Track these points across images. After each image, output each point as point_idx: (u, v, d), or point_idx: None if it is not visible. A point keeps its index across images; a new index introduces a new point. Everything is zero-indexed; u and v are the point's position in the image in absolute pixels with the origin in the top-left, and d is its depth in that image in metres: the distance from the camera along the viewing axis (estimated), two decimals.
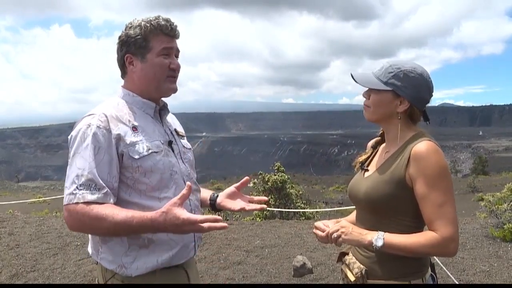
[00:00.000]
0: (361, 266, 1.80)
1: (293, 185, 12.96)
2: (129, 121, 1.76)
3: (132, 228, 1.56)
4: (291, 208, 11.78)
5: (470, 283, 4.62)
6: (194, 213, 1.89)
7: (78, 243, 6.67)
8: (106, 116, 1.71)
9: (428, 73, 1.77)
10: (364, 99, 1.84)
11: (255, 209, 1.95)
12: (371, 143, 2.05)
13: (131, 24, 1.82)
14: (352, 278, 1.81)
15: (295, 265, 5.07)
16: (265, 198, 2.01)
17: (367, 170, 1.91)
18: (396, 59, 1.83)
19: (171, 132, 1.93)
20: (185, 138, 2.06)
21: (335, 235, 1.73)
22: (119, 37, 1.83)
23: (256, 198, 2.00)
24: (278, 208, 10.96)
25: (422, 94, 1.74)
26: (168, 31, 1.82)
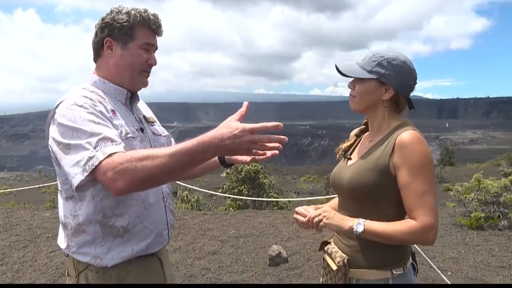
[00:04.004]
0: (343, 255, 1.81)
1: (266, 176, 13.00)
2: (107, 104, 1.71)
3: (190, 152, 1.36)
4: (263, 197, 11.83)
5: (441, 269, 4.74)
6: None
7: (49, 235, 6.53)
8: (86, 97, 1.65)
9: (411, 60, 1.79)
10: (350, 89, 1.84)
11: (268, 158, 1.69)
12: (354, 131, 2.06)
13: (118, 9, 1.77)
14: (334, 267, 1.82)
15: (271, 254, 5.09)
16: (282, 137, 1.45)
17: (350, 158, 1.92)
18: (379, 49, 1.84)
19: (140, 120, 1.90)
20: (156, 123, 2.01)
21: (316, 219, 1.73)
22: (103, 19, 1.77)
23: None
24: (249, 198, 10.98)
25: (406, 81, 1.76)
26: (154, 27, 1.80)
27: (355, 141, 2.01)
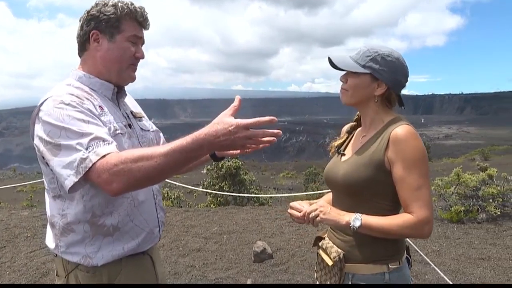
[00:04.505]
0: (339, 250, 1.81)
1: (246, 172, 13.00)
2: (94, 100, 1.67)
3: (185, 150, 1.35)
4: (244, 193, 11.83)
5: (423, 262, 4.81)
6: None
7: (29, 235, 6.38)
8: (73, 95, 1.60)
9: (403, 58, 1.80)
10: (341, 83, 1.84)
11: (257, 148, 1.58)
12: (346, 128, 2.06)
13: (104, 1, 1.73)
14: (330, 263, 1.82)
15: (256, 251, 5.09)
16: (276, 131, 1.45)
17: (343, 154, 1.92)
18: (372, 43, 1.85)
19: (128, 115, 1.86)
20: (144, 118, 1.98)
21: (313, 214, 1.73)
22: (88, 12, 1.73)
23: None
24: (232, 194, 10.96)
25: (398, 78, 1.76)
26: (142, 20, 1.77)
27: (347, 137, 2.01)
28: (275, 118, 1.37)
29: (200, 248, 5.63)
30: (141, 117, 1.96)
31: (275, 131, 1.38)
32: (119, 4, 1.71)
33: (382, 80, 1.75)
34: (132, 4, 1.73)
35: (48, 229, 1.75)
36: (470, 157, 38.95)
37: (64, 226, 1.64)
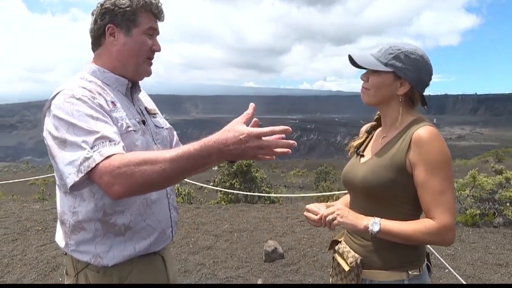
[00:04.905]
0: (356, 255, 1.75)
1: (257, 170, 12.95)
2: (107, 95, 1.62)
3: (192, 157, 1.29)
4: (256, 192, 11.79)
5: (438, 266, 4.72)
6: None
7: (39, 228, 6.40)
8: (85, 88, 1.56)
9: (427, 56, 1.73)
10: (362, 81, 1.78)
11: (272, 158, 1.43)
12: (365, 127, 1.99)
13: None
14: (346, 268, 1.76)
15: (267, 250, 5.03)
16: (291, 142, 1.33)
17: (362, 155, 1.85)
18: (395, 41, 1.78)
19: (142, 112, 1.81)
20: (158, 115, 1.93)
21: (330, 217, 1.67)
22: (102, 5, 1.68)
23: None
24: (243, 191, 10.92)
25: (422, 76, 1.70)
26: (157, 12, 1.72)
27: (366, 138, 1.94)
28: (289, 128, 1.30)
29: (210, 246, 5.59)
30: (155, 114, 1.91)
31: (290, 141, 1.31)
32: None
33: (405, 79, 1.68)
34: None
35: (58, 226, 1.71)
36: (483, 158, 38.49)
37: (74, 224, 1.60)
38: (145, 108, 1.86)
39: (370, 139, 1.92)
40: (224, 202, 10.82)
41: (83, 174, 1.36)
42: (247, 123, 1.34)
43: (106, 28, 1.67)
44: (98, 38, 1.71)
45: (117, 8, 1.65)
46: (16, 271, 4.79)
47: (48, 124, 1.49)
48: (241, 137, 1.26)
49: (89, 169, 1.35)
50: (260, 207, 8.23)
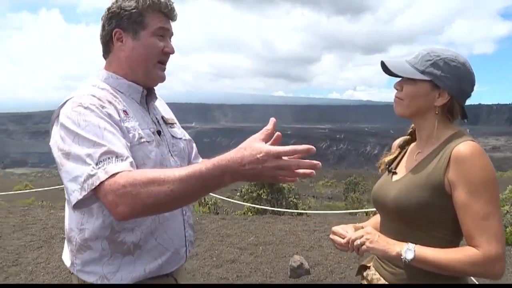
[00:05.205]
0: (386, 283, 1.58)
1: None
2: (118, 103, 1.52)
3: (203, 177, 1.16)
4: (283, 203, 11.63)
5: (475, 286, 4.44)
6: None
7: (64, 236, 6.38)
8: (95, 96, 1.46)
9: (470, 63, 1.55)
10: (396, 91, 1.62)
11: (295, 180, 1.29)
12: (398, 142, 1.82)
13: None
14: None
15: (292, 265, 4.86)
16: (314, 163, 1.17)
17: (395, 172, 1.68)
18: (432, 47, 1.61)
19: (158, 121, 1.70)
20: (176, 125, 1.81)
21: (358, 242, 1.50)
22: (108, 9, 1.59)
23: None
24: (270, 202, 10.80)
25: (464, 86, 1.53)
26: (167, 11, 1.60)
27: (399, 153, 1.77)
28: (313, 148, 1.16)
29: (234, 259, 5.45)
30: (173, 124, 1.79)
31: (314, 162, 1.14)
32: None
33: (444, 89, 1.51)
34: None
35: (65, 244, 1.62)
36: None
37: (81, 243, 1.51)
38: (162, 117, 1.75)
39: (403, 154, 1.75)
40: (251, 213, 10.71)
41: (86, 193, 1.26)
42: (267, 140, 1.19)
43: (113, 33, 1.58)
44: (107, 44, 1.63)
45: (122, 11, 1.55)
46: (39, 279, 4.76)
47: (55, 134, 1.41)
48: (258, 156, 1.12)
49: (93, 187, 1.25)
50: (287, 219, 8.06)
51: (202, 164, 1.18)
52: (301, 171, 1.15)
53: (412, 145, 1.72)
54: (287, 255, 5.53)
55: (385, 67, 1.59)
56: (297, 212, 10.98)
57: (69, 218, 1.57)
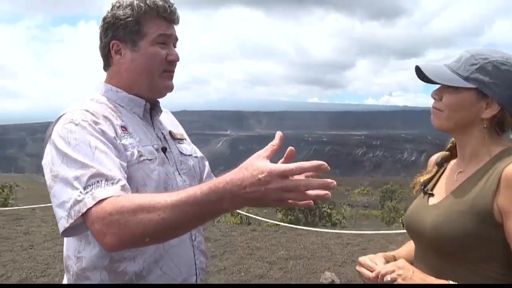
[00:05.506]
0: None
1: None
2: (116, 119, 1.39)
3: (198, 203, 1.01)
4: (316, 212, 11.40)
5: None
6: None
7: None
8: (88, 111, 1.34)
9: None
10: (433, 100, 1.39)
11: (310, 204, 1.11)
12: (435, 158, 1.58)
13: (119, 3, 1.45)
14: None
15: (323, 283, 4.67)
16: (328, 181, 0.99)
17: (432, 194, 1.45)
18: (477, 48, 1.37)
19: (164, 137, 1.55)
20: (185, 141, 1.66)
21: (388, 278, 1.28)
22: (104, 19, 1.46)
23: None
24: (303, 212, 10.58)
25: None
26: (166, 14, 1.45)
27: (437, 172, 1.53)
28: (324, 163, 0.96)
29: (263, 274, 5.31)
30: (182, 139, 1.64)
31: (328, 181, 0.95)
32: (135, 2, 1.41)
33: (493, 98, 1.28)
34: None
35: (66, 271, 1.47)
36: None
37: (78, 272, 1.37)
38: (170, 132, 1.60)
39: (442, 173, 1.50)
40: (284, 222, 10.54)
41: (73, 220, 1.13)
42: (272, 158, 1.01)
43: (111, 46, 1.45)
44: (106, 57, 1.50)
45: (117, 20, 1.42)
46: None
47: (47, 154, 1.30)
48: (260, 176, 0.94)
49: (80, 214, 1.12)
50: (320, 232, 7.83)
51: (197, 188, 1.02)
52: (312, 192, 0.97)
53: (452, 162, 1.48)
54: (318, 271, 5.38)
55: (421, 73, 1.37)
56: (331, 222, 10.76)
57: (67, 244, 1.44)
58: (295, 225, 9.90)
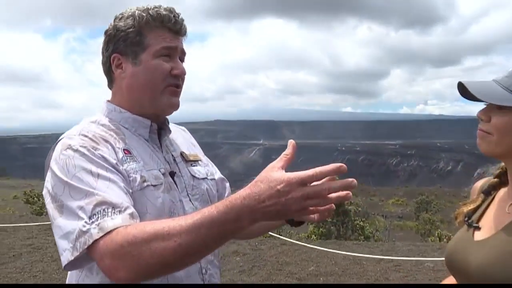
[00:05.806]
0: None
1: (351, 201, 12.24)
2: (119, 142, 1.29)
3: (215, 223, 0.95)
4: (349, 226, 11.11)
5: None
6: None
7: None
8: (86, 136, 1.24)
9: None
10: (481, 121, 1.21)
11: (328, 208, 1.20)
12: (480, 185, 1.39)
13: (122, 14, 1.35)
14: None
15: None
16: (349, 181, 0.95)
17: (478, 227, 1.26)
18: None
19: (174, 159, 1.42)
20: (201, 163, 1.52)
21: None
22: (106, 32, 1.36)
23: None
24: (335, 225, 10.33)
25: None
26: (170, 25, 1.34)
27: (483, 201, 1.34)
28: (343, 165, 0.93)
29: None
30: (195, 161, 1.50)
31: (348, 180, 0.92)
32: (137, 12, 1.31)
33: None
34: (155, 7, 1.31)
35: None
36: None
37: None
38: (181, 154, 1.46)
39: (489, 204, 1.31)
40: (315, 236, 10.30)
41: (78, 253, 1.06)
42: (287, 168, 0.97)
43: (111, 60, 1.34)
44: (108, 73, 1.40)
45: (118, 32, 1.32)
46: None
47: (47, 181, 1.22)
48: (278, 187, 0.91)
49: (86, 246, 1.05)
50: (351, 245, 7.58)
51: (213, 207, 0.97)
52: (334, 195, 0.95)
53: (502, 191, 1.29)
54: None
55: (464, 90, 1.19)
56: (364, 235, 10.47)
57: (69, 273, 1.34)
58: (326, 238, 9.66)
